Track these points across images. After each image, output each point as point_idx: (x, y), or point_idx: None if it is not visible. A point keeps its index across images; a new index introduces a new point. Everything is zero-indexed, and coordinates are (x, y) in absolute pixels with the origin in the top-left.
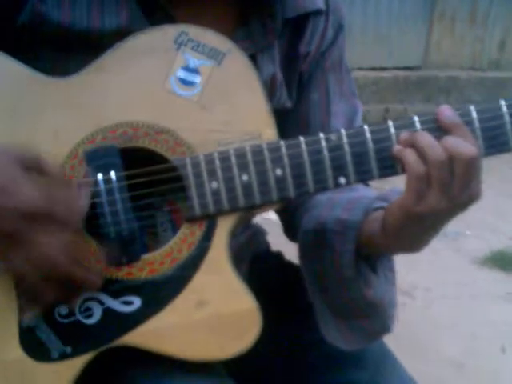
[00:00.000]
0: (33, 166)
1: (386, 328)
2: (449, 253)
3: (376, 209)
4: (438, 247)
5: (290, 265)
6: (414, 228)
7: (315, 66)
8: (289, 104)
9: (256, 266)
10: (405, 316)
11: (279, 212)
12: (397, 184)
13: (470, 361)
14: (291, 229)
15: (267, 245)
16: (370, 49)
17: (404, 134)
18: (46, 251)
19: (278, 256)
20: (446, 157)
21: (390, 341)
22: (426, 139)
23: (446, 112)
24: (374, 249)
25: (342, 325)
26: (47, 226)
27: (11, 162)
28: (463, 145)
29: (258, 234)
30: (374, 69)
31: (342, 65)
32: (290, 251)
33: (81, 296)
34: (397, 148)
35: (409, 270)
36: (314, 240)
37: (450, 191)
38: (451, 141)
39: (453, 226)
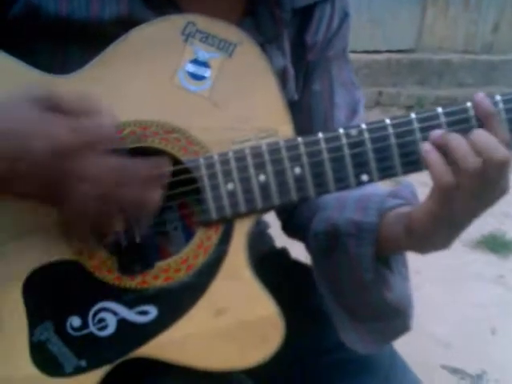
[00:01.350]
0: (52, 106)
1: (406, 327)
2: None
3: (390, 208)
4: None
5: (296, 264)
6: (443, 230)
7: (320, 56)
8: (296, 96)
9: (262, 266)
10: None
11: (277, 209)
12: None
13: (459, 342)
14: (291, 225)
15: (272, 240)
16: (363, 32)
17: (436, 134)
18: (97, 176)
19: (284, 254)
20: (479, 164)
21: None
22: (460, 147)
23: (485, 101)
24: (394, 250)
25: (361, 328)
26: (89, 155)
27: (33, 106)
28: (496, 149)
29: (264, 232)
30: (367, 52)
31: (345, 54)
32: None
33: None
34: (425, 149)
35: None
36: (327, 243)
37: (479, 194)
38: (484, 144)
39: None
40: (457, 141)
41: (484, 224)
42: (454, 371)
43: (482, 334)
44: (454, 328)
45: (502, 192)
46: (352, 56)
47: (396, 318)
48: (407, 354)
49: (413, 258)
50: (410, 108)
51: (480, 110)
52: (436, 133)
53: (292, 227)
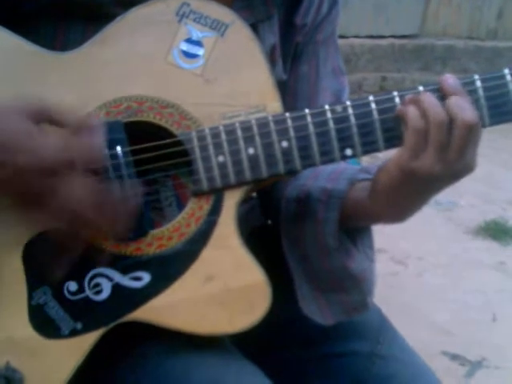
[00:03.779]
0: (43, 118)
1: (364, 304)
2: (442, 222)
3: (360, 180)
4: (431, 217)
5: None
6: (406, 188)
7: (308, 39)
8: (284, 76)
9: (252, 240)
10: (397, 283)
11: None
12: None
13: (460, 328)
14: (268, 205)
15: (264, 219)
16: (367, 17)
17: (409, 95)
18: (72, 196)
19: (274, 229)
20: (446, 117)
21: (381, 307)
22: (429, 98)
23: (449, 80)
24: (359, 217)
25: (321, 298)
26: (71, 176)
27: (22, 119)
28: (466, 108)
29: (256, 208)
30: (371, 37)
31: (334, 40)
32: None
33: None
34: (400, 107)
35: (402, 238)
36: (297, 208)
37: (445, 154)
38: (454, 102)
39: (446, 195)
40: (427, 95)
41: (486, 211)
42: (454, 357)
43: (482, 321)
44: (455, 314)
45: (467, 167)
46: (356, 41)
47: (356, 292)
48: (407, 339)
49: (415, 245)
50: None
51: (443, 90)
52: (409, 95)
53: (268, 201)
